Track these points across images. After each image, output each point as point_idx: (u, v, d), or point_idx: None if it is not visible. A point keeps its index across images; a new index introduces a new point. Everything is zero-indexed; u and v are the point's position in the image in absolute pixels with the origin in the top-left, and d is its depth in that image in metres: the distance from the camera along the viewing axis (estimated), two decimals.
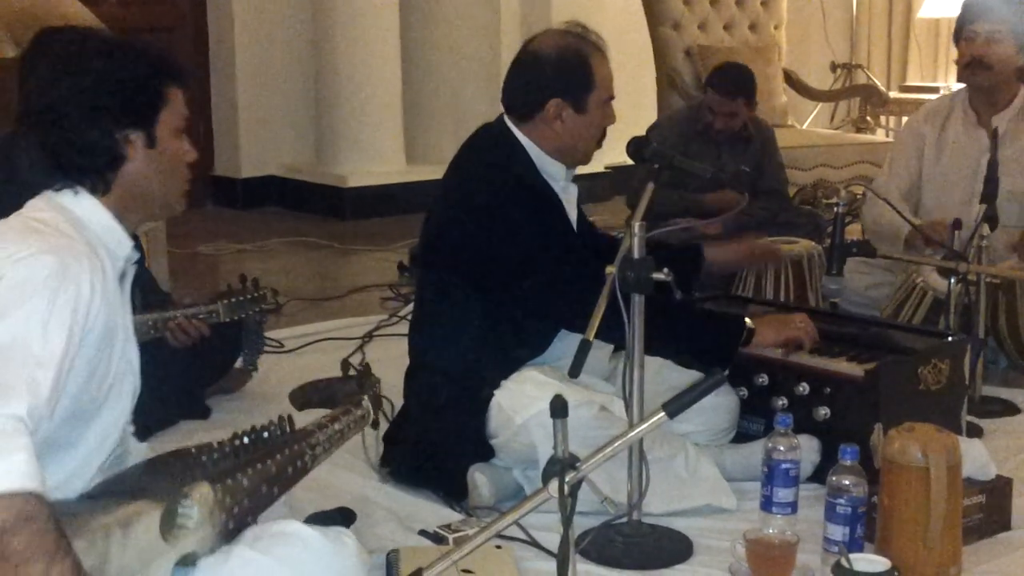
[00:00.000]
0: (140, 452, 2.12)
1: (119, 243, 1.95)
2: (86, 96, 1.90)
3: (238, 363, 3.55)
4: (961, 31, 3.89)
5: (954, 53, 4.04)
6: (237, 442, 1.96)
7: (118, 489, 1.85)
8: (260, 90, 7.09)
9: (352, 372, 2.69)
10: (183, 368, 3.18)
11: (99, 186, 1.93)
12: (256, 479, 1.90)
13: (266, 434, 2.00)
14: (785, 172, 5.19)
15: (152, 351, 3.01)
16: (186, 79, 2.01)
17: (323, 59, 6.91)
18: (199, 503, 1.77)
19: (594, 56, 2.80)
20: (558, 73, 2.79)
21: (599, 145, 2.89)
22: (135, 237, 2.01)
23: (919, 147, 4.03)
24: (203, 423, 3.32)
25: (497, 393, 2.75)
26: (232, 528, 1.83)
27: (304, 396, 2.66)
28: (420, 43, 7.19)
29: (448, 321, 2.85)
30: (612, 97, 2.85)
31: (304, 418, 2.29)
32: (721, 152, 4.83)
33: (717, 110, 4.85)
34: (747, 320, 2.85)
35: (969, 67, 3.86)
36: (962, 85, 4.06)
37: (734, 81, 4.91)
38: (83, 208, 1.92)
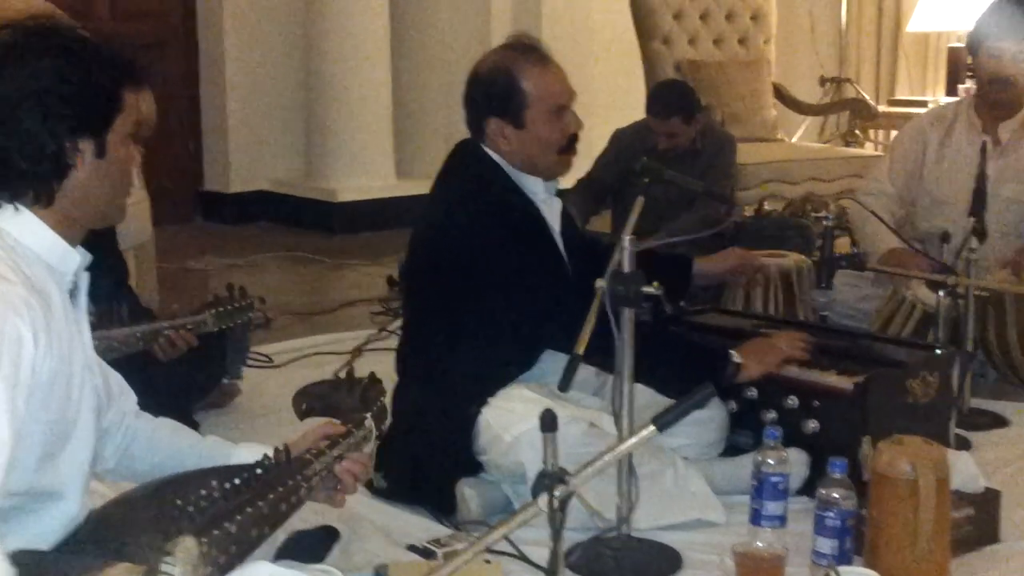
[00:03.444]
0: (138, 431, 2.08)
1: (63, 259, 1.84)
2: (39, 98, 1.76)
3: (226, 378, 3.54)
4: (980, 46, 3.87)
5: (943, 67, 4.06)
6: (227, 484, 1.85)
7: (98, 539, 1.78)
8: (250, 105, 7.09)
9: (357, 377, 2.61)
10: (170, 383, 3.17)
11: (42, 196, 1.79)
12: (246, 523, 1.80)
13: (259, 471, 1.91)
14: (731, 181, 5.21)
15: (138, 366, 3.02)
16: (144, 82, 1.90)
17: (313, 74, 6.92)
18: (182, 561, 1.67)
19: (527, 70, 2.78)
20: (487, 92, 2.81)
21: (571, 151, 2.86)
22: (93, 234, 1.90)
23: (921, 149, 4.04)
24: None
25: (485, 411, 2.74)
26: None
27: (307, 404, 2.60)
28: (410, 57, 7.20)
29: (434, 338, 2.85)
30: (564, 106, 2.82)
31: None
32: (671, 167, 4.83)
33: (656, 131, 4.89)
34: (733, 353, 2.85)
35: (995, 84, 3.87)
36: (957, 97, 4.08)
37: (665, 101, 4.96)
38: (22, 228, 1.79)
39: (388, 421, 3.00)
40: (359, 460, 2.12)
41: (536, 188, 2.86)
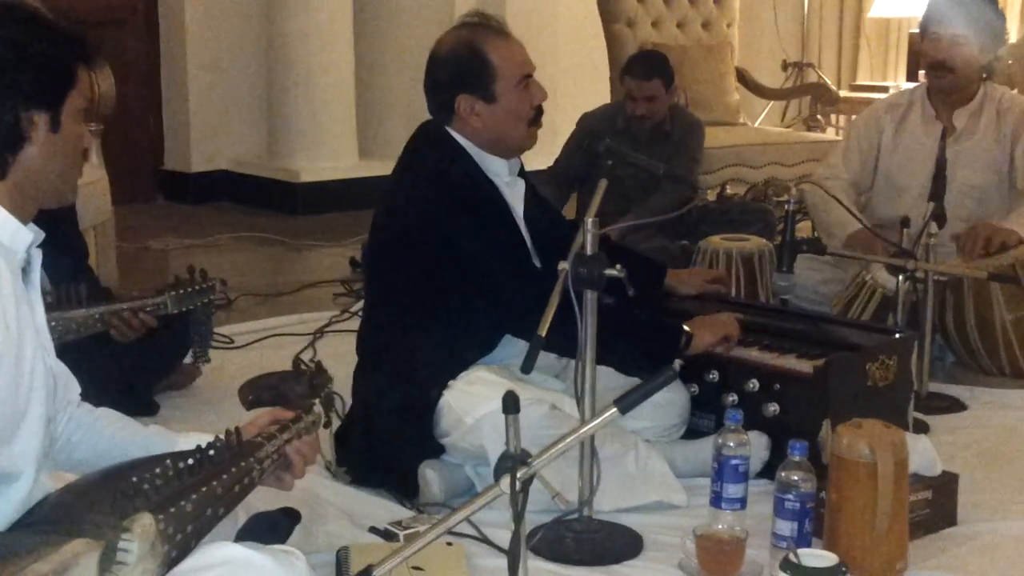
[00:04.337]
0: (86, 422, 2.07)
1: (14, 236, 1.82)
2: None
3: (187, 358, 3.52)
4: (925, 31, 3.92)
5: (904, 52, 4.09)
6: (181, 464, 1.84)
7: (54, 519, 1.77)
8: (211, 84, 7.03)
9: (304, 367, 2.64)
10: (130, 364, 3.16)
11: None
12: (201, 503, 1.80)
13: (212, 452, 1.90)
14: (698, 165, 5.23)
15: (98, 347, 3.00)
16: (96, 59, 1.91)
17: (275, 53, 6.86)
18: (140, 537, 1.68)
19: (490, 43, 2.78)
20: (454, 70, 2.79)
21: (537, 124, 2.85)
22: (44, 214, 1.89)
23: (876, 136, 4.07)
24: (151, 420, 3.29)
25: (447, 393, 2.74)
26: (175, 557, 1.75)
27: (254, 395, 2.60)
28: (373, 37, 7.17)
29: (396, 321, 2.84)
30: (528, 75, 2.82)
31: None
32: (639, 149, 4.84)
33: (636, 95, 4.91)
34: (684, 326, 2.87)
35: (933, 69, 3.90)
36: (917, 83, 4.11)
37: (647, 63, 4.99)
38: None
39: (348, 404, 3.01)
40: (309, 442, 2.12)
41: (500, 170, 2.85)
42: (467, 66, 2.77)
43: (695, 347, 2.88)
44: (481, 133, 2.80)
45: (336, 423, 2.94)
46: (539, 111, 2.84)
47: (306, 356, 3.94)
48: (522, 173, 2.97)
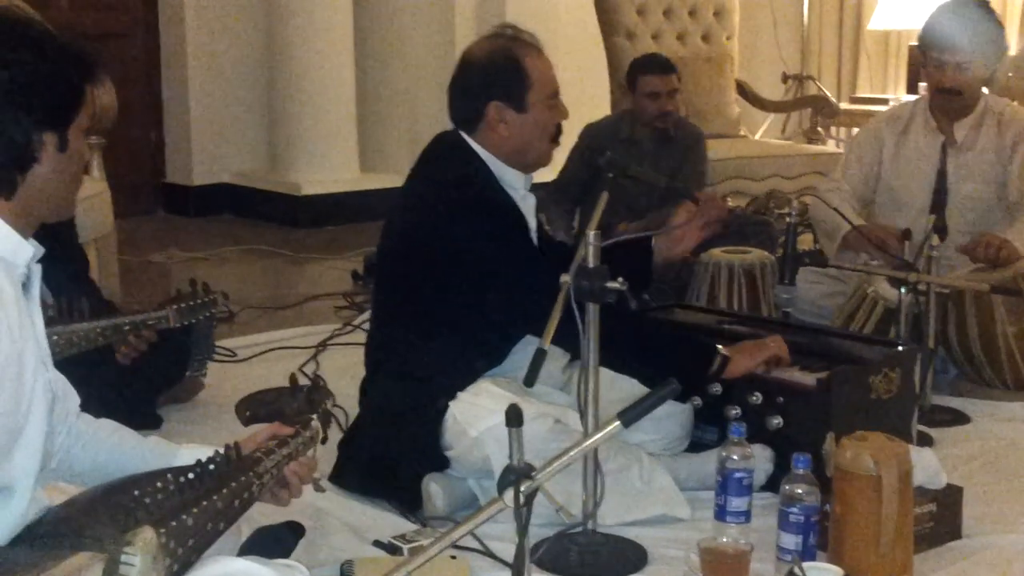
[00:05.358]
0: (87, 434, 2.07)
1: (16, 251, 1.83)
2: (9, 90, 1.76)
3: (189, 372, 3.52)
4: (928, 56, 3.88)
5: (904, 65, 4.08)
6: (182, 479, 1.85)
7: (57, 533, 1.77)
8: (213, 97, 7.05)
9: (301, 383, 2.62)
10: (132, 377, 3.15)
11: (4, 189, 1.79)
12: (202, 517, 1.79)
13: (212, 466, 1.90)
14: (705, 177, 5.22)
15: (101, 360, 3.01)
16: (101, 75, 1.90)
17: (277, 66, 6.88)
18: (142, 551, 1.67)
19: (527, 54, 2.80)
20: (491, 76, 2.79)
21: (556, 143, 2.87)
22: (43, 228, 1.89)
23: (878, 149, 4.07)
24: (154, 433, 3.28)
25: (452, 405, 2.74)
26: (177, 571, 1.74)
27: (251, 410, 2.60)
28: (374, 50, 7.18)
29: (404, 332, 2.83)
30: (556, 92, 2.84)
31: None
32: (644, 159, 4.84)
33: (660, 91, 4.87)
34: (720, 348, 2.86)
35: (941, 93, 3.89)
36: (917, 96, 4.11)
37: (659, 60, 5.01)
38: None
39: (352, 416, 3.01)
40: (305, 463, 2.12)
41: (516, 183, 2.86)
42: (504, 74, 2.78)
43: (731, 371, 2.86)
44: (506, 143, 2.81)
45: (338, 436, 2.93)
46: (559, 129, 2.86)
47: (308, 370, 3.94)
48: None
